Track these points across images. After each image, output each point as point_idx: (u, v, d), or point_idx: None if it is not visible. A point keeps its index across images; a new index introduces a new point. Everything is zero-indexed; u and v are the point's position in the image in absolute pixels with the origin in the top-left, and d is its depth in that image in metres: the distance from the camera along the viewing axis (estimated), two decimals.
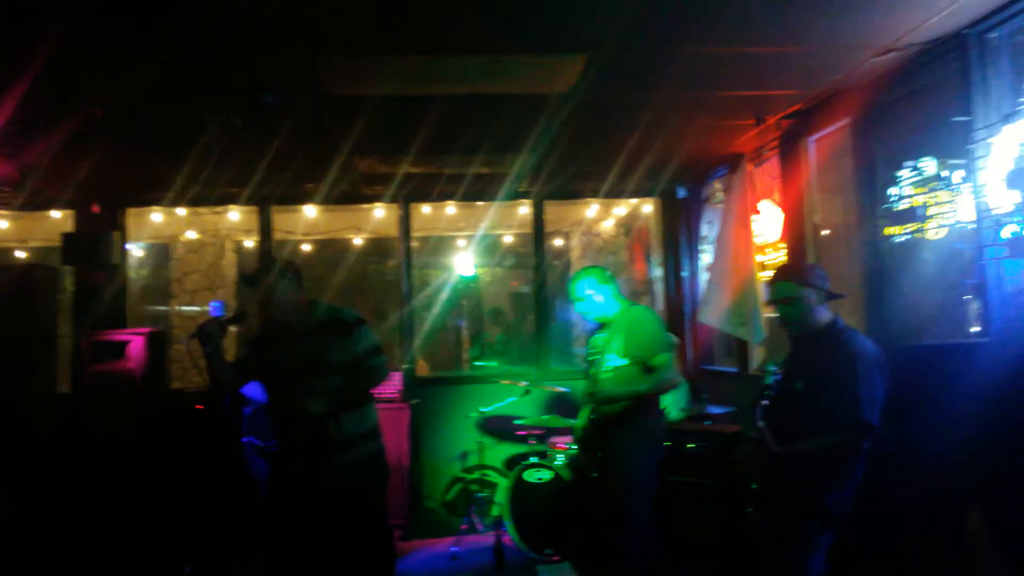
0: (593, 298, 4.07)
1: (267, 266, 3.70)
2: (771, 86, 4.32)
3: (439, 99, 4.29)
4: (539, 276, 7.13)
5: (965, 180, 3.48)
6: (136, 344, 5.79)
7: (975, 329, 3.53)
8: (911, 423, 3.18)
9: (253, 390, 4.29)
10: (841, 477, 3.02)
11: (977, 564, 2.89)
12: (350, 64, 3.80)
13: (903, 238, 3.91)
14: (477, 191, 6.72)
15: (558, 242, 9.41)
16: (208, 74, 3.82)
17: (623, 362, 3.94)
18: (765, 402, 3.09)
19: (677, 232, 7.09)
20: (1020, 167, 3.05)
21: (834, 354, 3.05)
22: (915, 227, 3.77)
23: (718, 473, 4.70)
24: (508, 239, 9.14)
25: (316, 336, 3.59)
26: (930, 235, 3.73)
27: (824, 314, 3.20)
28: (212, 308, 5.04)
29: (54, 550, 5.03)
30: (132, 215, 6.88)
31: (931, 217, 3.68)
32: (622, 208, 8.34)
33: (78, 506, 5.28)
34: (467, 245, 9.07)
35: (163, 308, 9.01)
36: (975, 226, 3.39)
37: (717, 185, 6.51)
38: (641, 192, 7.22)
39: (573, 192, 7.13)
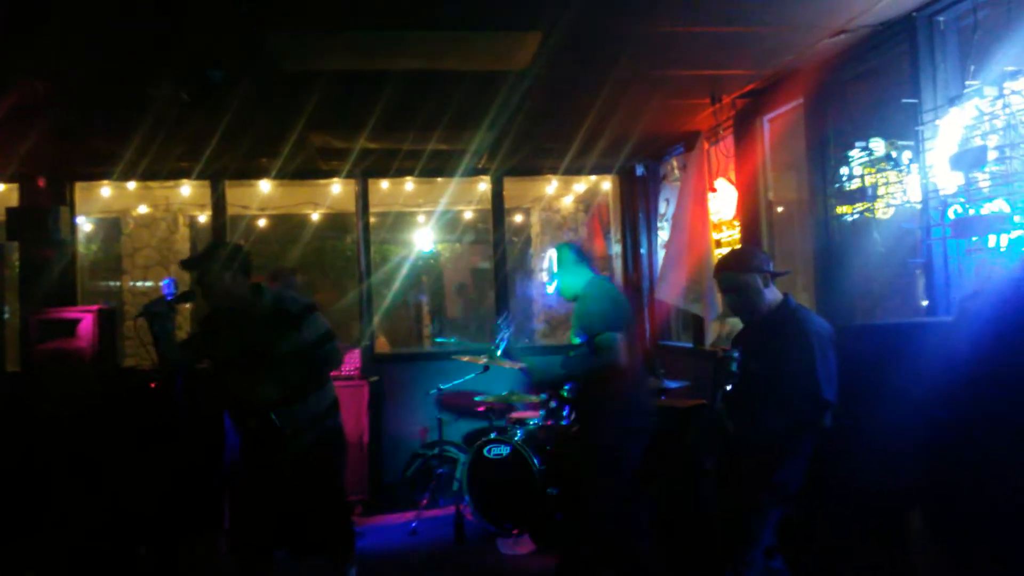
0: (557, 275, 4.03)
1: (209, 251, 3.59)
2: (726, 65, 4.34)
3: (395, 75, 4.22)
4: (499, 252, 7.12)
5: (913, 161, 3.54)
6: (86, 321, 5.66)
7: (924, 303, 3.61)
8: (859, 402, 3.25)
9: None
10: (793, 454, 3.08)
11: (916, 552, 2.98)
12: (302, 39, 3.71)
13: (853, 217, 3.96)
14: (436, 167, 6.68)
15: (518, 218, 9.42)
16: (152, 48, 3.69)
17: (580, 340, 3.85)
18: (728, 387, 3.08)
19: (635, 209, 7.14)
20: (964, 149, 3.11)
21: (789, 333, 3.09)
22: (864, 206, 3.82)
23: (673, 447, 4.76)
24: (468, 215, 9.11)
25: (261, 326, 3.51)
26: (879, 214, 3.78)
27: (774, 294, 3.24)
28: (164, 285, 4.92)
29: (2, 532, 4.95)
30: (80, 189, 6.68)
31: (880, 197, 3.72)
32: (581, 185, 8.35)
33: (28, 487, 5.19)
34: (426, 221, 9.02)
35: (115, 284, 8.82)
36: (922, 206, 3.46)
37: (674, 163, 6.55)
38: (600, 169, 7.24)
39: (532, 168, 7.13)
